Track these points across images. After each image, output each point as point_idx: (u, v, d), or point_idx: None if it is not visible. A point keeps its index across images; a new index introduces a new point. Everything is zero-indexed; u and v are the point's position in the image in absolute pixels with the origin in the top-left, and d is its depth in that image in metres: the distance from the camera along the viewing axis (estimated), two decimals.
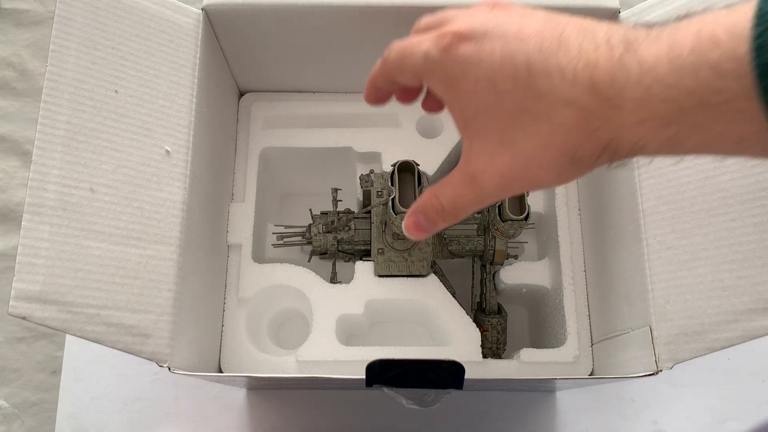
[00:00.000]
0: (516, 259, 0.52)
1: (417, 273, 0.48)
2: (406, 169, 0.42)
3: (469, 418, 0.54)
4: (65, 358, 0.56)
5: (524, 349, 0.47)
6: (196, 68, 0.42)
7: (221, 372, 0.48)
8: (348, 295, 0.49)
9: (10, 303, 0.34)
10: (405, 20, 0.45)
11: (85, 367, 0.55)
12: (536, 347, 0.48)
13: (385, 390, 0.36)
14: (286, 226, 0.52)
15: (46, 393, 0.58)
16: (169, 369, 0.36)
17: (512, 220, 0.42)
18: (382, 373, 0.35)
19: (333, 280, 0.51)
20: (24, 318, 0.34)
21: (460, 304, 0.49)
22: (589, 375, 0.47)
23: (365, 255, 0.50)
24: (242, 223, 0.50)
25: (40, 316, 0.34)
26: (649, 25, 0.24)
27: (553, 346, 0.48)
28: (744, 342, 0.35)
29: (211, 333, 0.47)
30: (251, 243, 0.50)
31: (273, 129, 0.54)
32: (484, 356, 0.48)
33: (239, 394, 0.55)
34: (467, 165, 0.30)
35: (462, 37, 0.29)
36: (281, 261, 0.50)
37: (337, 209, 0.51)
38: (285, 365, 0.47)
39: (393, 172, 0.42)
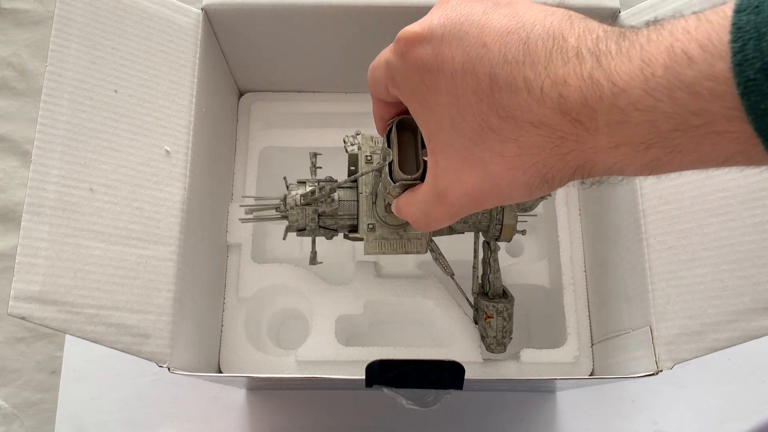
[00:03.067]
0: (524, 234, 0.46)
1: (414, 251, 0.42)
2: (406, 127, 0.34)
3: (469, 419, 0.54)
4: (65, 358, 0.56)
5: (524, 349, 0.47)
6: (196, 68, 0.42)
7: (221, 372, 0.48)
8: (347, 295, 0.49)
9: (10, 303, 0.34)
10: (405, 20, 0.45)
11: (84, 368, 0.55)
12: (536, 347, 0.47)
13: (385, 390, 0.36)
14: (257, 198, 0.45)
15: (45, 393, 0.58)
16: (169, 369, 0.36)
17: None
18: (381, 373, 0.35)
19: (312, 261, 0.44)
20: (23, 318, 0.34)
21: (460, 288, 0.47)
22: (590, 375, 0.47)
23: (351, 231, 0.44)
24: (242, 223, 0.50)
25: (40, 317, 0.34)
26: (621, 32, 0.22)
27: (553, 347, 0.48)
28: (744, 342, 0.35)
29: (211, 333, 0.47)
30: (251, 243, 0.50)
31: (273, 129, 0.54)
32: (488, 347, 0.45)
33: (239, 395, 0.54)
34: (435, 181, 0.28)
35: (417, 40, 0.26)
36: (281, 261, 0.50)
37: (317, 177, 0.44)
38: (284, 365, 0.47)
39: (390, 130, 0.34)
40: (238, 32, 0.46)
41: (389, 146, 0.33)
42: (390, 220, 0.41)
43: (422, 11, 0.44)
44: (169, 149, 0.40)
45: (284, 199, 0.42)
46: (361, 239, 0.42)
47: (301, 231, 0.43)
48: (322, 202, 0.41)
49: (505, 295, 0.46)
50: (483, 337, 0.46)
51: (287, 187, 0.43)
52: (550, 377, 0.46)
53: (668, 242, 0.38)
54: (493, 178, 0.25)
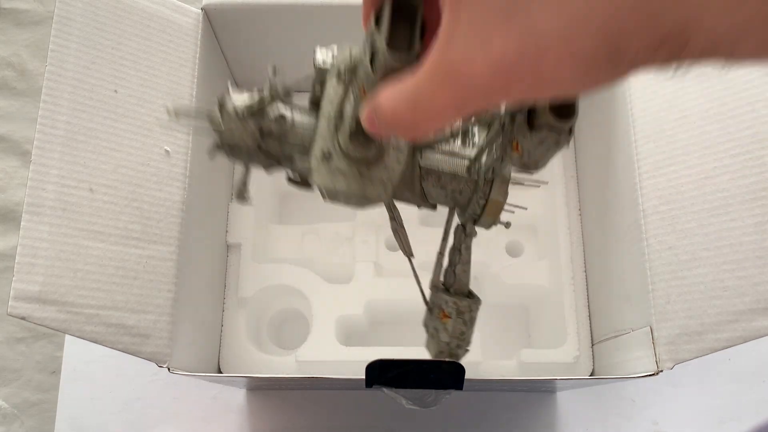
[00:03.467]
0: (508, 227, 0.36)
1: (373, 196, 0.32)
2: (403, 13, 0.25)
3: (469, 419, 0.54)
4: (65, 358, 0.55)
5: (524, 349, 0.47)
6: (196, 68, 0.42)
7: (221, 372, 0.48)
8: (348, 295, 0.49)
9: (10, 303, 0.34)
10: None
11: (84, 368, 0.55)
12: (536, 348, 0.47)
13: (385, 390, 0.36)
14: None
15: (45, 393, 0.58)
16: (169, 369, 0.36)
17: (551, 127, 0.26)
18: (382, 373, 0.35)
19: (241, 195, 0.35)
20: (23, 318, 0.34)
21: (416, 276, 0.38)
22: (590, 375, 0.47)
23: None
24: (242, 223, 0.50)
25: (40, 317, 0.34)
26: None
27: (553, 347, 0.48)
28: (744, 342, 0.35)
29: (211, 333, 0.46)
30: (251, 243, 0.50)
31: None
32: (435, 356, 0.37)
33: (239, 395, 0.54)
34: (447, 49, 0.19)
35: None
36: (281, 261, 0.50)
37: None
38: (285, 365, 0.47)
39: (383, 6, 0.25)
40: (238, 32, 0.46)
41: (377, 26, 0.25)
42: (354, 152, 0.32)
43: None
44: (168, 149, 0.40)
45: (221, 103, 0.32)
46: (306, 184, 0.34)
47: (233, 150, 0.34)
48: (271, 119, 0.32)
49: (470, 295, 0.38)
50: (432, 341, 0.37)
51: (229, 89, 0.33)
52: (550, 377, 0.46)
53: (668, 242, 0.38)
54: (537, 40, 0.17)
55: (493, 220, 0.35)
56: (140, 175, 0.38)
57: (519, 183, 0.36)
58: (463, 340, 0.36)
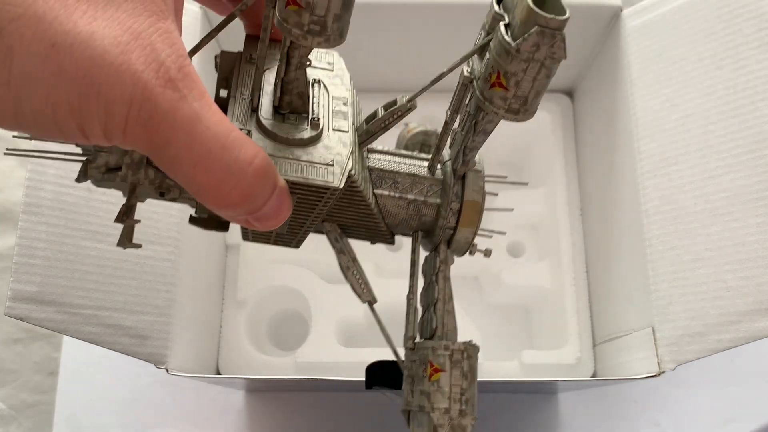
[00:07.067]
0: (488, 256, 0.29)
1: (319, 182, 0.24)
2: None
3: None
4: (62, 359, 0.55)
5: (526, 350, 0.47)
6: (195, 66, 0.42)
7: (219, 374, 0.47)
8: (348, 295, 0.48)
9: (7, 304, 0.33)
10: (404, 18, 0.45)
11: (82, 369, 0.55)
12: (537, 349, 0.47)
13: (385, 392, 0.36)
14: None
15: (43, 395, 0.58)
16: (167, 371, 0.36)
17: (546, 29, 0.19)
18: (382, 374, 0.35)
19: (123, 225, 0.25)
20: (21, 319, 0.33)
21: (382, 329, 0.29)
22: (592, 376, 0.47)
23: None
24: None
25: (37, 317, 0.34)
26: None
27: (554, 348, 0.48)
28: (747, 343, 0.35)
29: (210, 334, 0.46)
30: (250, 243, 0.49)
31: None
32: None
33: (238, 396, 0.54)
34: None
35: None
36: (280, 261, 0.50)
37: None
38: (284, 367, 0.47)
39: None
40: (237, 30, 0.46)
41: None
42: (284, 131, 0.25)
43: (419, 9, 0.44)
44: None
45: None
46: (218, 223, 0.27)
47: (111, 172, 0.25)
48: None
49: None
50: (421, 419, 0.27)
51: None
52: (551, 379, 0.46)
53: (670, 242, 0.38)
54: None
55: (473, 233, 0.27)
56: None
57: (500, 181, 0.29)
58: (467, 401, 0.26)
